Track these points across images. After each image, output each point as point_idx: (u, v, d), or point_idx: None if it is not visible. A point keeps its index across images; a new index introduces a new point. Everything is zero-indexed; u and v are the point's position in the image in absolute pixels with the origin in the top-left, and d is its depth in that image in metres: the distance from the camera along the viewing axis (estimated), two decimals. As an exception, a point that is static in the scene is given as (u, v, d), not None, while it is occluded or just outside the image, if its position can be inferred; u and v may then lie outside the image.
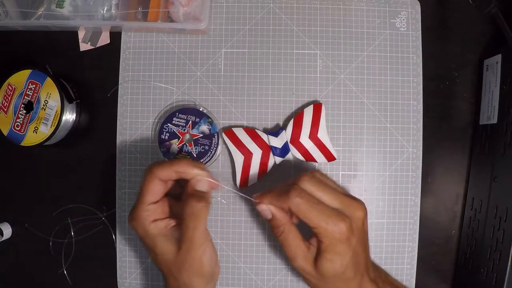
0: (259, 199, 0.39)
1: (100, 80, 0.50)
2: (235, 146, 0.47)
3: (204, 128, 0.47)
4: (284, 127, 0.47)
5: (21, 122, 0.46)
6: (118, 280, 0.49)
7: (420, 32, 0.49)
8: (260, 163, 0.46)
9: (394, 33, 0.49)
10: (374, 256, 0.48)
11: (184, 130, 0.47)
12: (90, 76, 0.50)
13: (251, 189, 0.48)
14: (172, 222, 0.39)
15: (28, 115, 0.46)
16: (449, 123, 0.49)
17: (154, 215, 0.39)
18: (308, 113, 0.46)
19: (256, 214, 0.48)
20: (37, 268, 0.50)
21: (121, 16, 0.47)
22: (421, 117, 0.48)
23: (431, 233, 0.49)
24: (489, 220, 0.44)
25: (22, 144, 0.46)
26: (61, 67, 0.50)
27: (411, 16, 0.49)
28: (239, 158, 0.47)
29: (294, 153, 0.46)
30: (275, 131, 0.47)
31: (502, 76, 0.45)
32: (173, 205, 0.41)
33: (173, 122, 0.47)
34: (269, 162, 0.47)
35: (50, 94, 0.46)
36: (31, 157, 0.50)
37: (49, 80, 0.46)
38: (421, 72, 0.48)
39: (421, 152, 0.48)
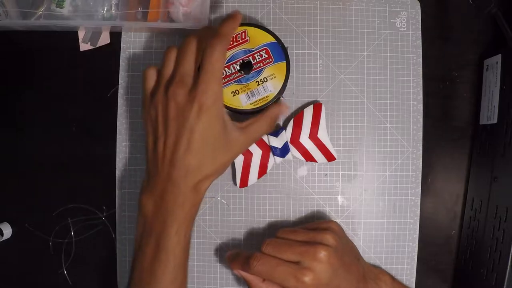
0: (230, 264, 0.42)
1: (100, 80, 0.50)
2: (235, 146, 0.47)
3: (204, 128, 0.47)
4: (284, 127, 0.47)
5: (224, 75, 0.44)
6: (118, 280, 0.49)
7: (420, 32, 0.49)
8: (260, 163, 0.46)
9: (394, 33, 0.49)
10: (374, 256, 0.48)
11: (184, 130, 0.47)
12: (90, 76, 0.50)
13: (251, 189, 0.48)
14: None
15: (239, 73, 0.45)
16: (449, 123, 0.49)
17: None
18: (308, 113, 0.46)
19: (256, 215, 0.48)
20: (37, 268, 0.50)
21: (121, 16, 0.47)
22: (421, 117, 0.48)
23: (431, 233, 0.49)
24: (489, 220, 0.44)
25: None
26: (61, 67, 0.50)
27: (411, 16, 0.49)
28: (239, 158, 0.46)
29: (294, 153, 0.46)
30: (275, 131, 0.47)
31: (502, 76, 0.45)
32: None
33: (174, 122, 0.47)
34: (269, 162, 0.47)
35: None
36: (31, 157, 0.50)
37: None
38: (421, 72, 0.48)
39: (421, 152, 0.48)
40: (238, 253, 0.42)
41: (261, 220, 0.48)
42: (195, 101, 0.36)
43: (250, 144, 0.42)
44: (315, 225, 0.43)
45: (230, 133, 0.39)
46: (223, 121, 0.38)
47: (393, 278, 0.45)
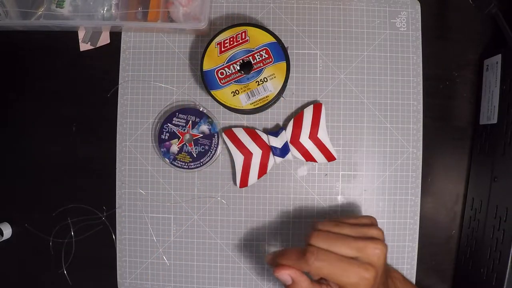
0: (279, 262, 0.37)
1: (100, 80, 0.50)
2: (235, 146, 0.47)
3: (204, 128, 0.47)
4: (284, 127, 0.47)
5: (224, 75, 0.45)
6: (118, 280, 0.49)
7: (420, 32, 0.49)
8: (260, 163, 0.46)
9: (394, 33, 0.49)
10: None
11: (184, 130, 0.47)
12: (90, 76, 0.50)
13: (251, 189, 0.48)
14: None
15: (239, 73, 0.45)
16: (449, 123, 0.49)
17: None
18: (308, 113, 0.46)
19: (256, 215, 0.48)
20: (37, 268, 0.50)
21: (121, 16, 0.47)
22: (421, 117, 0.48)
23: (431, 233, 0.49)
24: (489, 220, 0.44)
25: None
26: (61, 67, 0.50)
27: (411, 16, 0.49)
28: (239, 158, 0.47)
29: (294, 153, 0.46)
30: (275, 131, 0.47)
31: (502, 76, 0.45)
32: None
33: (173, 122, 0.47)
34: (269, 162, 0.47)
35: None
36: (31, 157, 0.50)
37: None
38: (421, 72, 0.48)
39: (421, 152, 0.48)
40: (283, 252, 0.38)
41: (261, 220, 0.48)
42: None
43: None
44: (354, 219, 0.40)
45: None
46: None
47: (403, 277, 0.44)
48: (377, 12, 0.49)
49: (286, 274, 0.36)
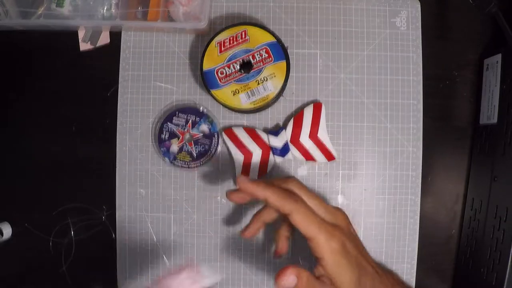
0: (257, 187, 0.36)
1: (100, 80, 0.50)
2: (235, 145, 0.47)
3: (204, 127, 0.47)
4: (284, 126, 0.47)
5: (224, 75, 0.45)
6: (118, 280, 0.49)
7: (420, 31, 0.49)
8: (260, 162, 0.46)
9: (394, 32, 0.49)
10: (375, 256, 0.47)
11: (184, 129, 0.47)
12: (90, 76, 0.50)
13: (251, 189, 0.48)
14: None
15: (239, 72, 0.45)
16: (449, 123, 0.49)
17: None
18: (308, 113, 0.46)
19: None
20: (37, 268, 0.50)
21: (121, 15, 0.47)
22: (421, 117, 0.48)
23: (431, 233, 0.49)
24: (489, 220, 0.44)
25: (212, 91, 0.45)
26: (61, 67, 0.50)
27: (411, 15, 0.49)
28: (239, 158, 0.46)
29: (294, 153, 0.46)
30: (275, 131, 0.47)
31: (502, 76, 0.44)
32: None
33: (173, 121, 0.47)
34: (269, 162, 0.47)
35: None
36: (31, 157, 0.50)
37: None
38: (421, 72, 0.48)
39: (421, 152, 0.48)
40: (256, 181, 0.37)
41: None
42: None
43: None
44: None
45: None
46: None
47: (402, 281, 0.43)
48: (377, 12, 0.49)
49: (292, 275, 0.34)
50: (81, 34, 0.50)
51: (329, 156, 0.47)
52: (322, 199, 0.38)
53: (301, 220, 0.35)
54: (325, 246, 0.34)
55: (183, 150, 0.47)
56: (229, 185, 0.48)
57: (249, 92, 0.45)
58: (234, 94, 0.45)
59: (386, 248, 0.48)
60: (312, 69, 0.48)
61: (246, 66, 0.45)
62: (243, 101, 0.45)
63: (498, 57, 0.45)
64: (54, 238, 0.49)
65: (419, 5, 0.49)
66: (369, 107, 0.48)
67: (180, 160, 0.47)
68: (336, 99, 0.48)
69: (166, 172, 0.49)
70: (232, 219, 0.48)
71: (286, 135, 0.46)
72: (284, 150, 0.46)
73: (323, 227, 0.35)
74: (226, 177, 0.48)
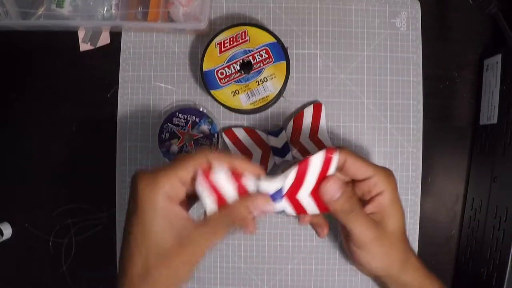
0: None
1: (100, 80, 0.50)
2: (235, 146, 0.47)
3: (204, 128, 0.47)
4: (284, 127, 0.47)
5: (224, 75, 0.45)
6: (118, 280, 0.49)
7: (420, 32, 0.49)
8: (260, 163, 0.46)
9: (394, 33, 0.49)
10: (374, 256, 0.48)
11: (184, 130, 0.47)
12: (90, 76, 0.50)
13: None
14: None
15: (239, 73, 0.45)
16: (449, 123, 0.49)
17: (172, 194, 0.33)
18: (308, 113, 0.46)
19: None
20: (37, 268, 0.50)
21: (121, 16, 0.47)
22: (421, 117, 0.48)
23: (431, 233, 0.49)
24: (489, 220, 0.44)
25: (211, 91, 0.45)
26: (61, 67, 0.50)
27: (411, 16, 0.49)
28: (239, 158, 0.46)
29: (294, 153, 0.46)
30: (275, 131, 0.47)
31: (502, 76, 0.45)
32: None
33: (173, 122, 0.47)
34: (269, 162, 0.47)
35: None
36: (31, 157, 0.50)
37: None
38: (421, 72, 0.48)
39: (421, 152, 0.48)
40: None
41: (260, 219, 0.48)
42: None
43: None
44: None
45: None
46: None
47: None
48: (377, 12, 0.49)
49: (338, 186, 0.35)
50: (81, 34, 0.50)
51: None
52: None
53: (360, 163, 0.36)
54: (386, 181, 0.36)
55: (183, 150, 0.47)
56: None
57: (249, 93, 0.45)
58: (234, 95, 0.45)
59: (386, 248, 0.48)
60: (312, 70, 0.49)
61: (246, 66, 0.45)
62: (243, 101, 0.45)
63: (498, 58, 0.45)
64: (54, 238, 0.49)
65: (419, 6, 0.49)
66: (369, 108, 0.48)
67: (180, 160, 0.47)
68: (336, 99, 0.48)
69: (166, 172, 0.49)
70: (232, 219, 0.48)
71: (286, 135, 0.46)
72: (284, 151, 0.46)
73: (380, 167, 0.37)
74: (226, 177, 0.48)
